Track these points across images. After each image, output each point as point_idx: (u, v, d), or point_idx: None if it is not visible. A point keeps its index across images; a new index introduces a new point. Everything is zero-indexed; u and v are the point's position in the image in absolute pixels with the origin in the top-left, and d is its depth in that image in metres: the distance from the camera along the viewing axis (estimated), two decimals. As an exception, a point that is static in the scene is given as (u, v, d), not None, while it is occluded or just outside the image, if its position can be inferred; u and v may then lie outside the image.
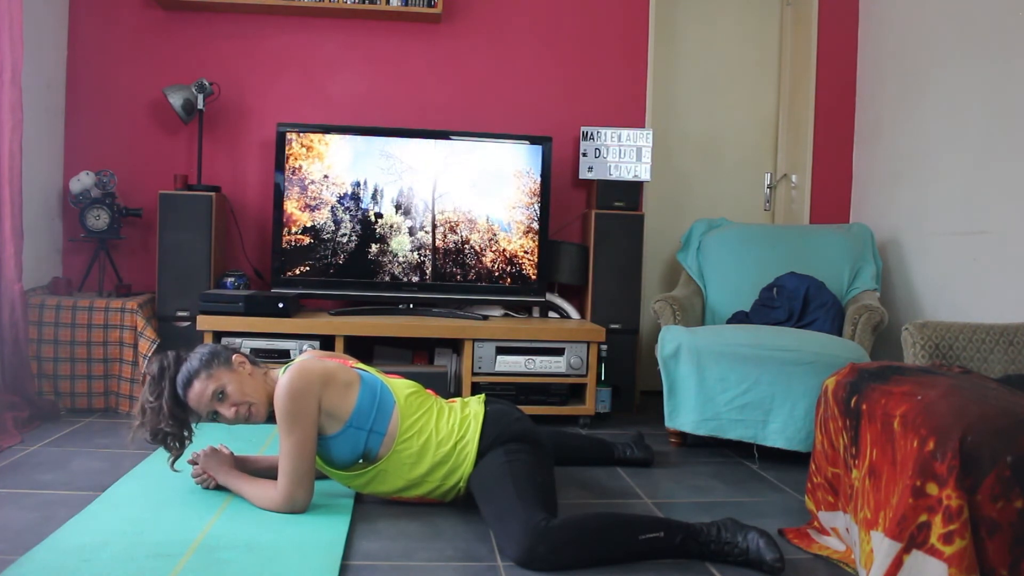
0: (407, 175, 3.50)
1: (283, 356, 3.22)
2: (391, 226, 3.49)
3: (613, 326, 3.54)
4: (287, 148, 3.42)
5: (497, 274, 3.55)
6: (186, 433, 2.17)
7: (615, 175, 3.66)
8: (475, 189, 3.52)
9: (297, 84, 3.74)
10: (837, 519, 2.06)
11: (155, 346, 3.17)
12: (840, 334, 3.15)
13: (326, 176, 3.45)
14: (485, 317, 3.48)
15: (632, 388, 3.61)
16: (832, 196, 4.01)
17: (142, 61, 3.65)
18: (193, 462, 2.27)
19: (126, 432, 2.92)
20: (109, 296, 3.30)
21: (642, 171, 3.67)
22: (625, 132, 3.67)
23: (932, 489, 1.60)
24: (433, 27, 3.79)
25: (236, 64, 3.70)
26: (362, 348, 3.43)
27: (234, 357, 2.16)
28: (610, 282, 3.59)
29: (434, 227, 3.52)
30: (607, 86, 3.88)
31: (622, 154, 3.67)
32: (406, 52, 3.78)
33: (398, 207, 3.50)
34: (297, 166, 3.43)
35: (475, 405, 2.25)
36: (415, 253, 3.51)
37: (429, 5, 3.62)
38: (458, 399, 2.33)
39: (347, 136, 3.47)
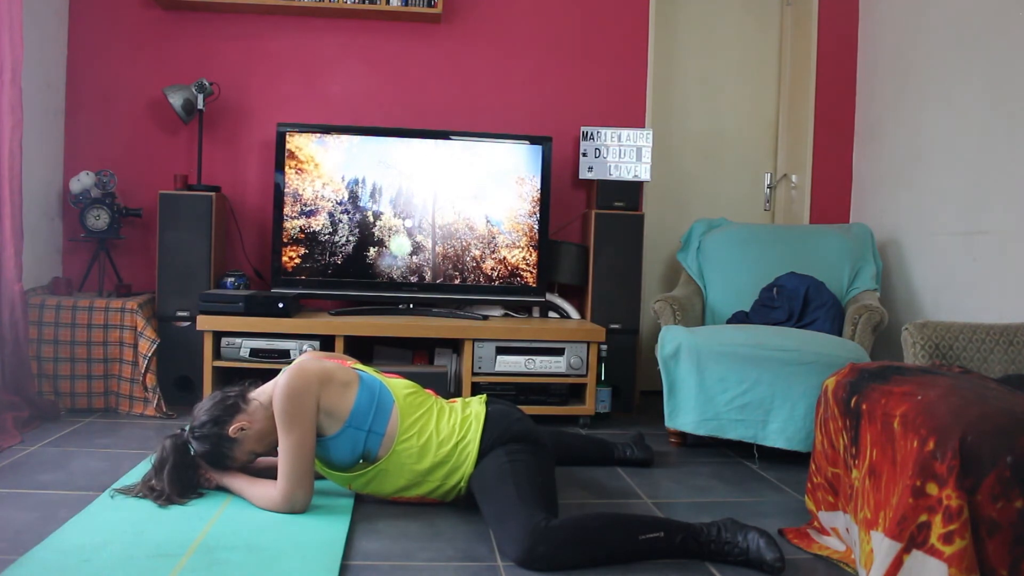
0: (407, 175, 3.50)
1: (283, 356, 3.22)
2: (391, 226, 3.49)
3: (613, 326, 3.54)
4: (287, 147, 3.42)
5: (497, 274, 3.55)
6: (198, 492, 2.22)
7: (615, 175, 3.66)
8: (475, 189, 3.52)
9: (297, 84, 3.74)
10: (837, 519, 2.06)
11: (155, 346, 3.17)
12: (840, 334, 3.15)
13: (325, 178, 3.45)
14: (485, 317, 3.48)
15: (632, 388, 3.61)
16: (832, 196, 4.01)
17: (142, 61, 3.65)
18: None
19: (126, 432, 2.93)
20: (109, 296, 3.30)
21: (642, 171, 3.67)
22: (625, 132, 3.67)
23: (932, 489, 1.60)
24: (433, 27, 3.79)
25: (236, 64, 3.70)
26: (362, 348, 3.43)
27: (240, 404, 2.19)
28: (610, 282, 3.59)
29: (434, 227, 3.52)
30: (607, 86, 3.88)
31: (622, 154, 3.67)
32: (406, 52, 3.78)
33: (398, 207, 3.50)
34: (297, 166, 3.43)
35: (476, 405, 2.25)
36: (415, 253, 3.51)
37: (429, 5, 3.62)
38: (459, 399, 2.33)
39: (347, 136, 3.47)
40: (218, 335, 3.21)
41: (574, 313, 3.68)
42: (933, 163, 3.37)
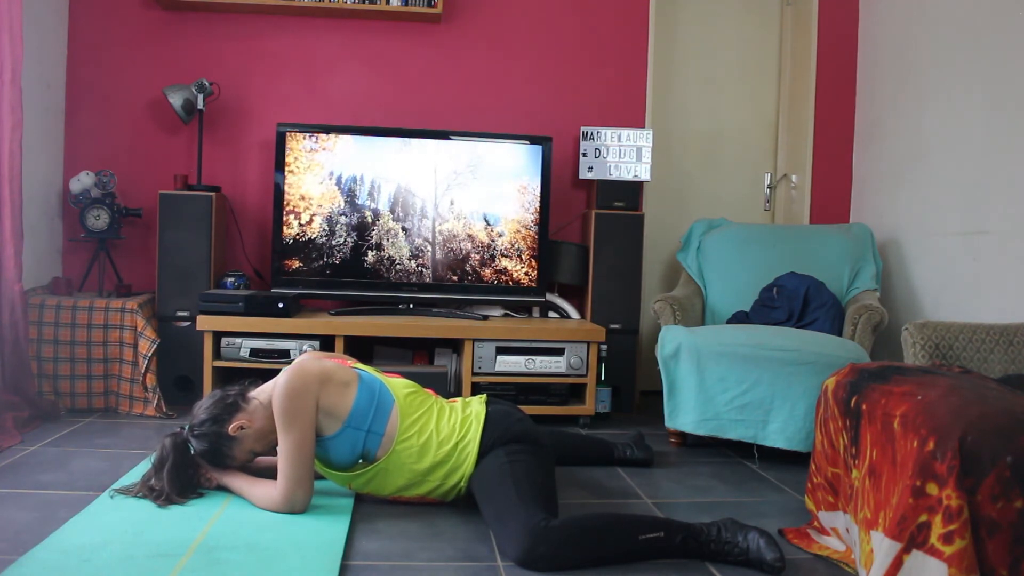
0: (407, 175, 3.50)
1: (283, 356, 3.22)
2: (391, 225, 3.49)
3: (613, 326, 3.54)
4: (286, 147, 3.42)
5: (497, 274, 3.55)
6: (198, 491, 2.22)
7: (615, 175, 3.66)
8: (475, 189, 3.52)
9: (297, 84, 3.74)
10: (837, 519, 2.06)
11: (155, 346, 3.17)
12: (840, 334, 3.15)
13: (325, 178, 3.45)
14: (485, 317, 3.48)
15: (632, 388, 3.61)
16: (832, 196, 4.01)
17: (142, 61, 3.65)
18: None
19: (126, 432, 2.93)
20: (109, 296, 3.30)
21: (642, 171, 3.67)
22: (625, 132, 3.67)
23: (932, 489, 1.60)
24: (433, 27, 3.79)
25: (236, 64, 3.70)
26: (362, 348, 3.43)
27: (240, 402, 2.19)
28: (610, 282, 3.59)
29: (434, 226, 3.52)
30: (607, 86, 3.88)
31: (622, 154, 3.67)
32: (406, 52, 3.78)
33: (397, 207, 3.50)
34: (296, 166, 3.43)
35: (476, 405, 2.25)
36: (415, 253, 3.51)
37: (429, 5, 3.62)
38: (459, 399, 2.33)
39: (347, 136, 3.47)
40: (218, 335, 3.21)
41: (574, 313, 3.67)
42: (933, 163, 3.37)
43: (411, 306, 3.50)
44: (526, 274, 3.55)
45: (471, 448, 2.13)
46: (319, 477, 2.25)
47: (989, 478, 1.56)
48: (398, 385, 2.23)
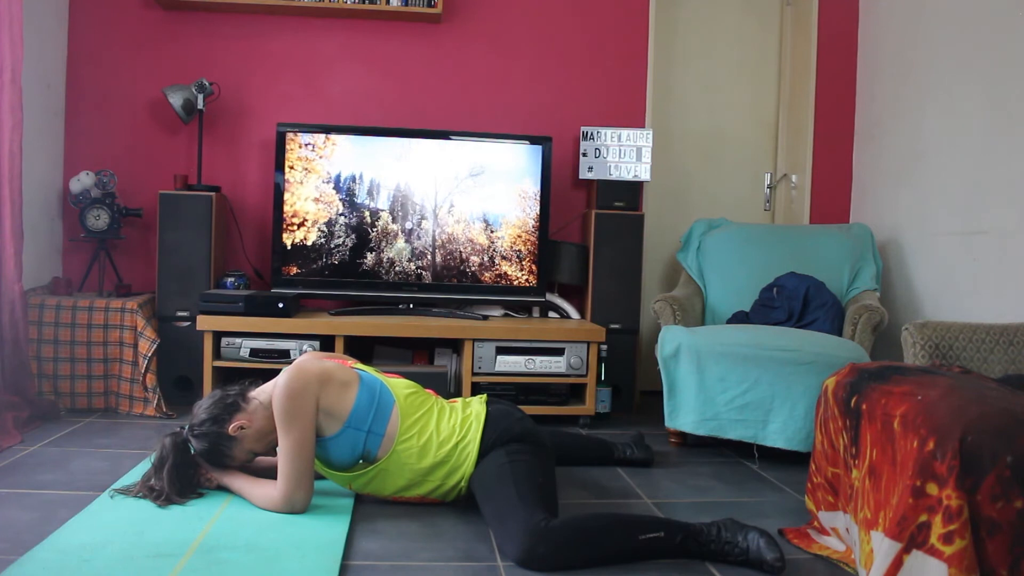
0: (407, 175, 3.50)
1: (283, 356, 3.22)
2: (391, 226, 3.49)
3: (613, 326, 3.54)
4: (287, 147, 3.42)
5: (497, 274, 3.54)
6: (198, 491, 2.22)
7: (615, 175, 3.66)
8: (475, 189, 3.52)
9: (297, 84, 3.74)
10: (837, 519, 2.06)
11: (155, 346, 3.17)
12: (840, 334, 3.15)
13: (325, 178, 3.45)
14: (485, 317, 3.48)
15: (632, 388, 3.61)
16: (832, 196, 4.01)
17: (142, 61, 3.65)
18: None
19: (126, 432, 2.93)
20: (109, 296, 3.30)
21: (642, 171, 3.67)
22: (625, 132, 3.67)
23: (932, 489, 1.60)
24: (433, 27, 3.79)
25: (236, 64, 3.70)
26: (362, 348, 3.43)
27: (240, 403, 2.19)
28: (610, 282, 3.59)
29: (434, 226, 3.52)
30: (607, 86, 3.88)
31: (622, 154, 3.67)
32: (406, 52, 3.78)
33: (397, 207, 3.50)
34: (296, 166, 3.43)
35: (476, 405, 2.25)
36: (415, 253, 3.51)
37: (429, 5, 3.62)
38: (459, 399, 2.33)
39: (347, 136, 3.47)
40: (218, 335, 3.21)
41: (574, 313, 3.67)
42: (933, 163, 3.37)
43: (411, 306, 3.50)
44: (526, 280, 3.55)
45: (471, 448, 2.13)
46: (319, 477, 2.25)
47: (989, 478, 1.56)
48: (398, 385, 2.23)
